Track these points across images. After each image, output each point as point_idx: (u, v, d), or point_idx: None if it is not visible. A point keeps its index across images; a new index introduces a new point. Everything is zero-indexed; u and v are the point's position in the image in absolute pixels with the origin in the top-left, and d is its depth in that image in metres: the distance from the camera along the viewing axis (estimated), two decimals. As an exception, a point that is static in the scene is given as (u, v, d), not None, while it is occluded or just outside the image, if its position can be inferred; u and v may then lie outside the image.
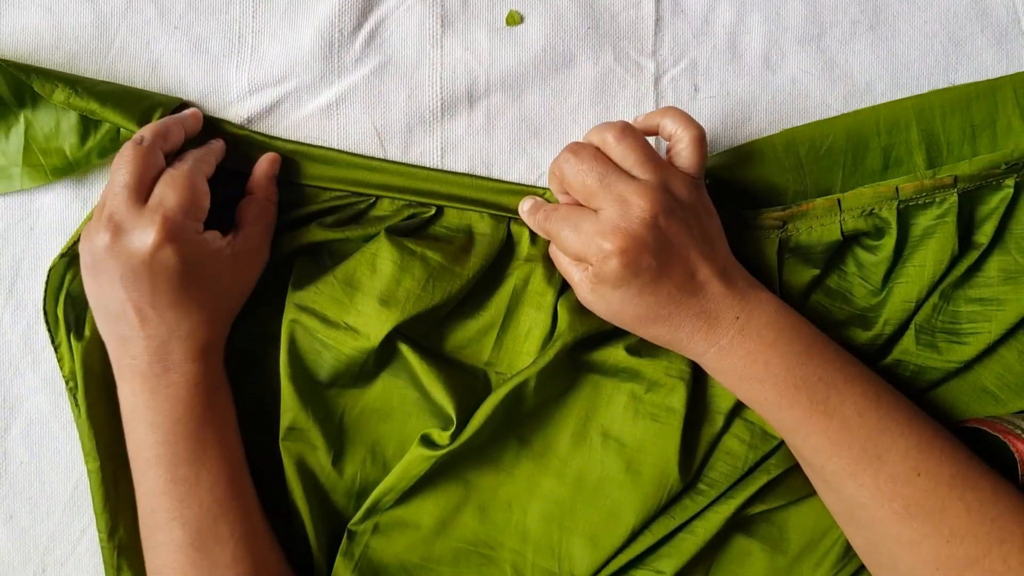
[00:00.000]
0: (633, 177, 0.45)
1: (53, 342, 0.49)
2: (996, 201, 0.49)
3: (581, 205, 0.47)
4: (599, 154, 0.46)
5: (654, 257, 0.45)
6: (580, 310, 0.49)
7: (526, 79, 0.52)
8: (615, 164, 0.46)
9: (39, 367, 0.51)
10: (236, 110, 0.51)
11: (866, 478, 0.44)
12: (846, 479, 0.44)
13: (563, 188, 0.48)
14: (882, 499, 0.44)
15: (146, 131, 0.47)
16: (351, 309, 0.48)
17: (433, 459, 0.48)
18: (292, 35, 0.52)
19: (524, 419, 0.50)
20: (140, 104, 0.49)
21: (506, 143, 0.52)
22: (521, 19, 0.52)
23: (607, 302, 0.46)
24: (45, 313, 0.49)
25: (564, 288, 0.51)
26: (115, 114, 0.48)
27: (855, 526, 0.46)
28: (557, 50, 0.52)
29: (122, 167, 0.45)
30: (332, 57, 0.51)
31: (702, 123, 0.52)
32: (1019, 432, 0.46)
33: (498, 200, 0.51)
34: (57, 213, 0.51)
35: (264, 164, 0.50)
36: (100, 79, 0.51)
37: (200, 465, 0.46)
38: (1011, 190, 0.49)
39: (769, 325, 0.46)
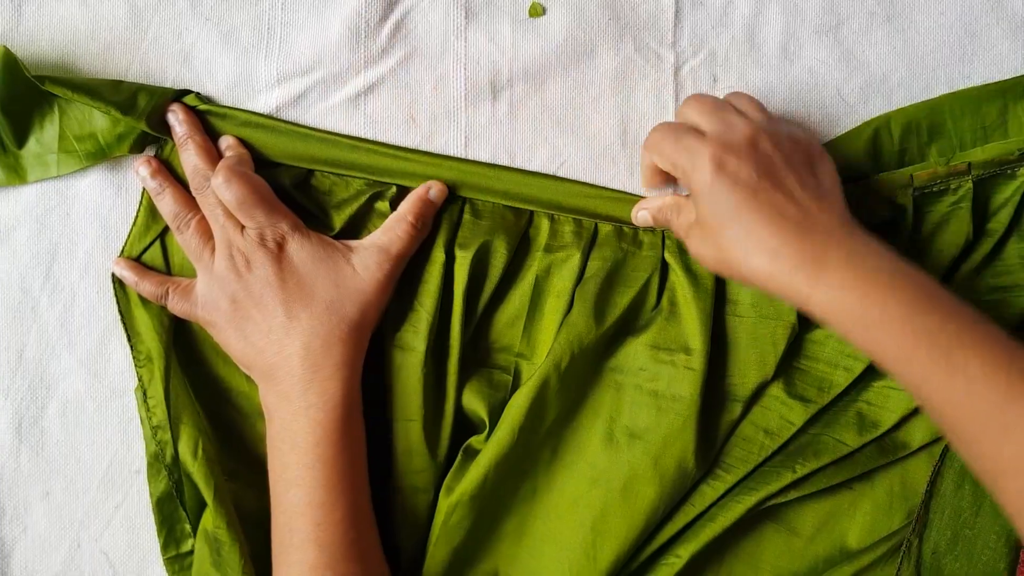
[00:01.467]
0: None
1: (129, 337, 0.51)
2: (1011, 190, 0.50)
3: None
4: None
5: (753, 169, 0.44)
6: (599, 301, 0.50)
7: (548, 70, 0.53)
8: None
9: (75, 348, 0.53)
10: (264, 99, 0.53)
11: (988, 447, 0.40)
12: (975, 448, 0.41)
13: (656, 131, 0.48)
14: (1017, 471, 0.39)
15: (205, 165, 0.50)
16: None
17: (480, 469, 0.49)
18: (319, 27, 0.53)
19: (553, 429, 0.51)
20: (121, 90, 0.51)
21: (528, 132, 0.53)
22: (543, 11, 0.53)
23: (703, 218, 0.45)
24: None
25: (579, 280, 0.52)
26: (89, 98, 0.50)
27: (998, 493, 0.41)
28: (579, 41, 0.53)
29: (209, 207, 0.50)
30: (359, 48, 0.53)
31: (720, 113, 0.53)
32: None
33: (522, 191, 0.52)
34: (93, 199, 0.53)
35: (431, 188, 0.52)
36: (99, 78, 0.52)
37: (337, 491, 0.47)
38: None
39: (884, 269, 0.42)
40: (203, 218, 0.50)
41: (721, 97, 0.49)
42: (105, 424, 0.53)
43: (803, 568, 0.52)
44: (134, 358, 0.51)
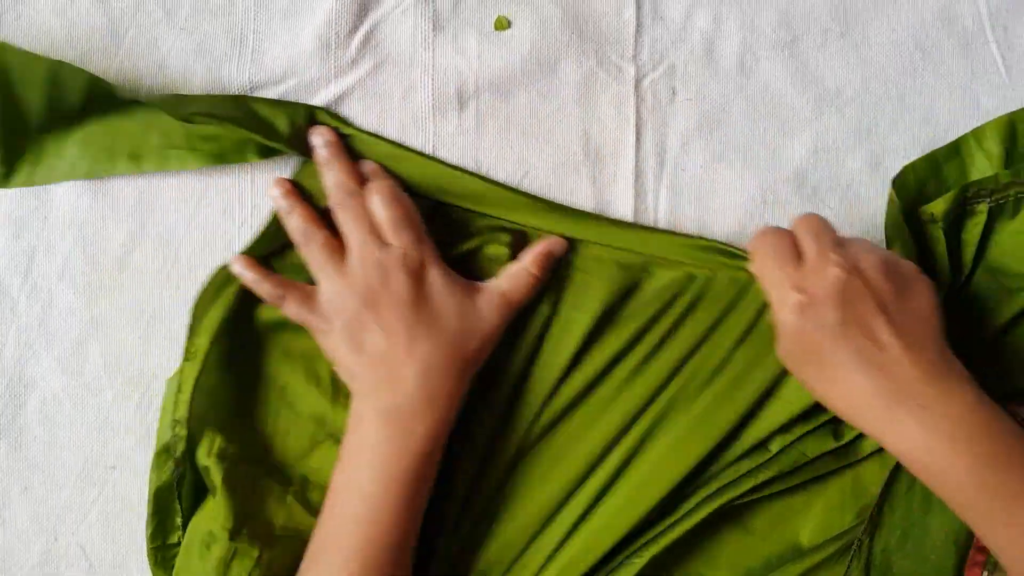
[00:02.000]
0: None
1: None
2: (972, 227, 0.52)
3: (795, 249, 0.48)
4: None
5: (840, 316, 0.45)
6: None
7: (513, 81, 0.55)
8: None
9: (52, 348, 0.55)
10: (238, 108, 0.54)
11: None
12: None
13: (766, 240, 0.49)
14: None
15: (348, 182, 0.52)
16: None
17: None
18: (291, 36, 0.54)
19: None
20: (260, 113, 0.53)
21: (494, 142, 0.55)
22: (509, 24, 0.55)
23: (785, 348, 0.48)
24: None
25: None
26: (235, 126, 0.52)
27: None
28: (543, 54, 0.55)
29: (352, 219, 0.51)
30: (329, 58, 0.54)
31: (679, 125, 0.55)
32: None
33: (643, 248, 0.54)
34: (70, 203, 0.54)
35: (552, 246, 0.53)
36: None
37: (400, 518, 0.48)
38: (984, 215, 0.52)
39: (954, 417, 0.43)
40: (329, 234, 0.52)
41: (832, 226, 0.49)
42: (82, 422, 0.55)
43: (757, 565, 0.54)
44: (185, 349, 0.52)
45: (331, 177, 0.52)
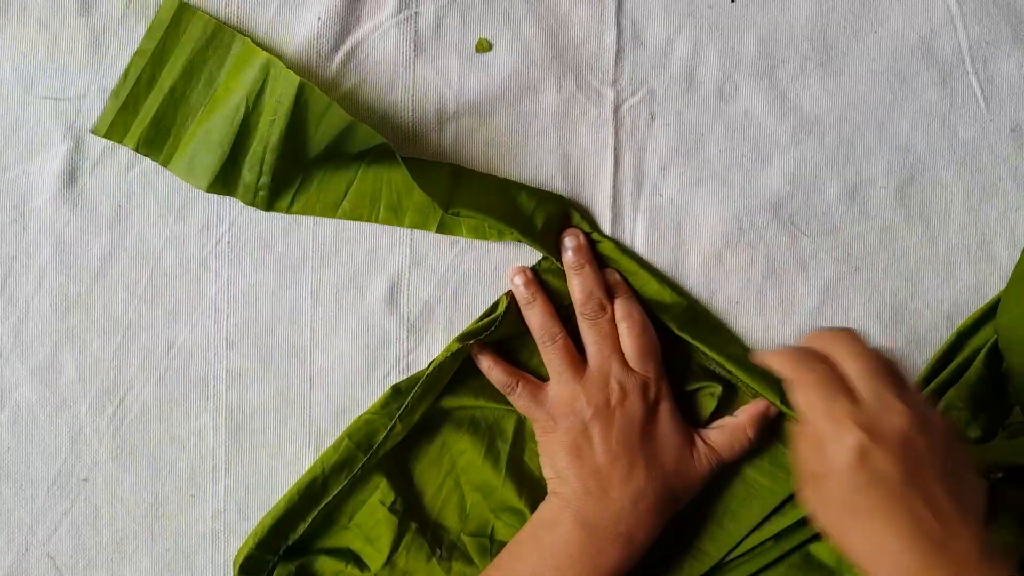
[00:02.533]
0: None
1: None
2: None
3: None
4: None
5: (902, 470, 0.40)
6: None
7: (493, 104, 0.55)
8: None
9: (27, 359, 0.55)
10: (219, 124, 0.54)
11: None
12: None
13: (817, 357, 0.43)
14: None
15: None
16: None
17: None
18: (273, 54, 0.55)
19: None
20: (520, 209, 0.54)
21: (473, 163, 0.55)
22: (490, 46, 0.55)
23: (828, 496, 0.42)
24: None
25: None
26: (496, 221, 0.53)
27: None
28: (523, 77, 0.55)
29: (600, 336, 0.52)
30: (310, 76, 0.55)
31: (657, 150, 0.55)
32: None
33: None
34: (49, 215, 0.55)
35: (768, 411, 0.53)
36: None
37: None
38: None
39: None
40: (567, 336, 0.53)
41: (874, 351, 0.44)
42: (55, 433, 0.55)
43: None
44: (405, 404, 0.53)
45: (580, 284, 0.53)
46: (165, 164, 0.54)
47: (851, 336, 0.44)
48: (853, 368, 0.42)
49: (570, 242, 0.54)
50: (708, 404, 0.55)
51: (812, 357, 0.43)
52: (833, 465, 0.41)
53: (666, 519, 0.52)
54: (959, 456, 0.42)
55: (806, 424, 0.42)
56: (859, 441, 0.40)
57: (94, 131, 0.54)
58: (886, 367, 0.43)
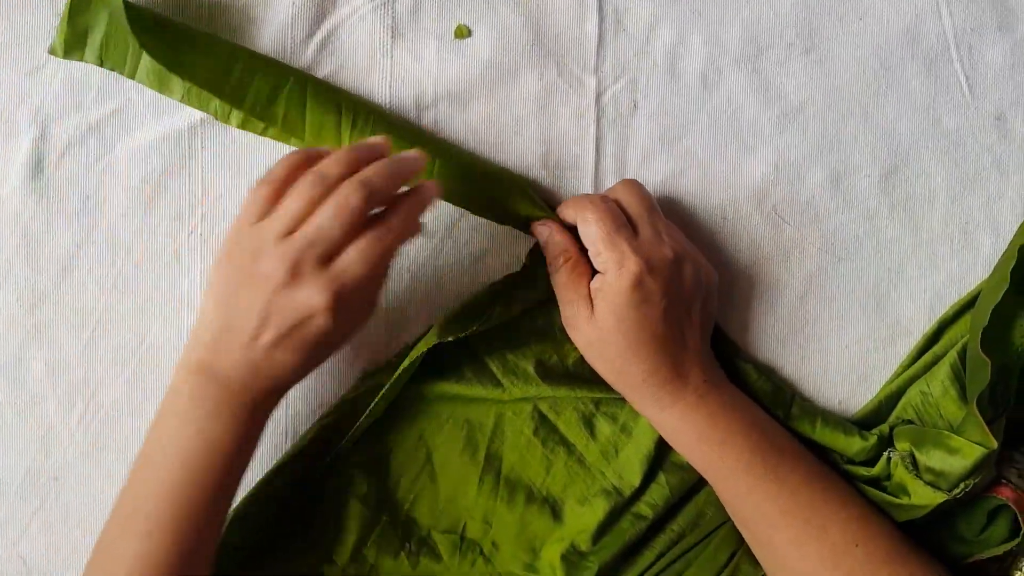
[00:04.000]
0: None
1: None
2: None
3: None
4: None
5: (665, 295, 0.49)
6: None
7: (472, 91, 0.54)
8: None
9: (-7, 355, 0.53)
10: (190, 114, 0.53)
11: (810, 548, 0.48)
12: (791, 550, 0.48)
13: (599, 209, 0.49)
14: (823, 569, 0.48)
15: (375, 190, 0.45)
16: None
17: None
18: (247, 42, 0.53)
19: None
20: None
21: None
22: (469, 32, 0.54)
23: (601, 320, 0.49)
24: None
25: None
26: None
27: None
28: (503, 64, 0.54)
29: (334, 218, 0.44)
30: (285, 62, 0.53)
31: (640, 139, 0.54)
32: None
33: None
34: (14, 207, 0.53)
35: (422, 199, 0.47)
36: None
37: (214, 491, 0.46)
38: None
39: (729, 394, 0.51)
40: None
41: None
42: (23, 431, 0.53)
43: None
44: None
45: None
46: (131, 76, 0.51)
47: (634, 183, 0.51)
48: (634, 208, 0.50)
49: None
50: None
51: (598, 199, 0.50)
52: (614, 287, 0.48)
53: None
54: (707, 282, 0.51)
55: (595, 254, 0.49)
56: (638, 267, 0.48)
57: (50, 51, 0.50)
58: (657, 207, 0.51)
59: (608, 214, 0.49)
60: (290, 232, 0.44)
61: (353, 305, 0.46)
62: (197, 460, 0.45)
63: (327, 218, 0.44)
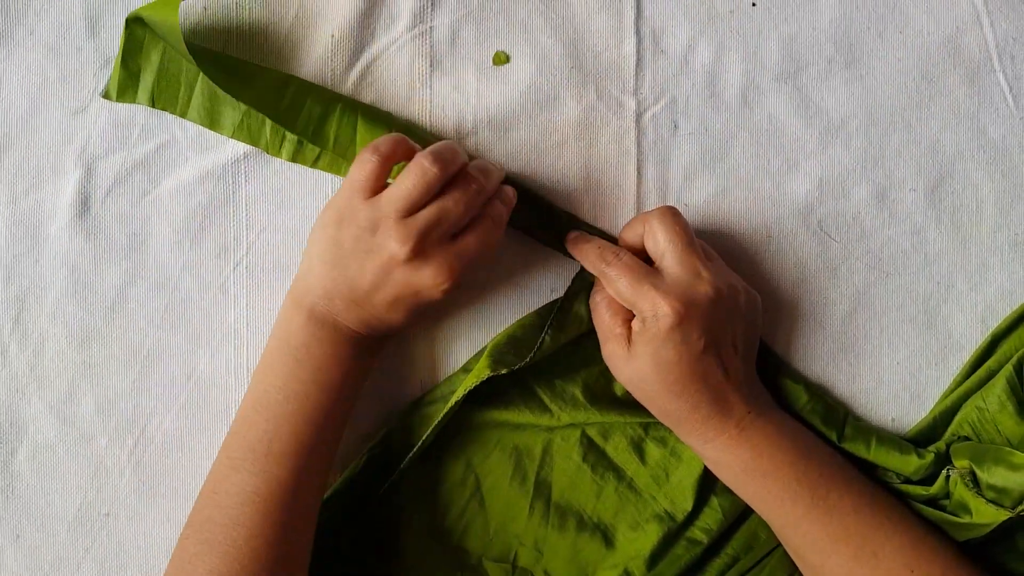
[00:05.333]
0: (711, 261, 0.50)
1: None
2: None
3: (644, 263, 0.50)
4: (691, 230, 0.50)
5: (704, 333, 0.48)
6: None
7: (512, 117, 0.54)
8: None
9: (44, 394, 0.54)
10: (233, 148, 0.53)
11: (862, 574, 0.47)
12: (845, 571, 0.48)
13: (635, 241, 0.51)
14: None
15: (489, 182, 0.49)
16: None
17: None
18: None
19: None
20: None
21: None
22: (507, 59, 0.54)
23: (639, 360, 0.48)
24: None
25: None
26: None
27: None
28: (542, 89, 0.54)
29: (459, 202, 0.47)
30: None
31: (681, 159, 0.54)
32: None
33: None
34: (62, 246, 0.53)
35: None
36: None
37: (325, 429, 0.48)
38: None
39: (774, 423, 0.50)
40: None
41: (684, 216, 0.51)
42: (75, 468, 0.54)
43: None
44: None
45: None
46: (183, 115, 0.52)
47: (668, 214, 0.50)
48: (663, 244, 0.49)
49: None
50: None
51: (611, 253, 0.50)
52: (651, 333, 0.48)
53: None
54: (750, 308, 0.51)
55: (628, 307, 0.49)
56: (673, 310, 0.47)
57: (104, 95, 0.52)
58: (694, 241, 0.50)
59: (624, 269, 0.49)
60: (410, 213, 0.47)
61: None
62: (311, 399, 0.48)
63: (453, 202, 0.47)
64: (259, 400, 0.48)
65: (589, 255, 0.51)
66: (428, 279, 0.47)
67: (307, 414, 0.48)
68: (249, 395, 0.49)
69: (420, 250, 0.46)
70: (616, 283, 0.49)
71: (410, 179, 0.47)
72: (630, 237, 0.51)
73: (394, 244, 0.46)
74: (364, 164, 0.47)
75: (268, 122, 0.52)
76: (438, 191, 0.47)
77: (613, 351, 0.50)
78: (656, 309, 0.48)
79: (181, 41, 0.49)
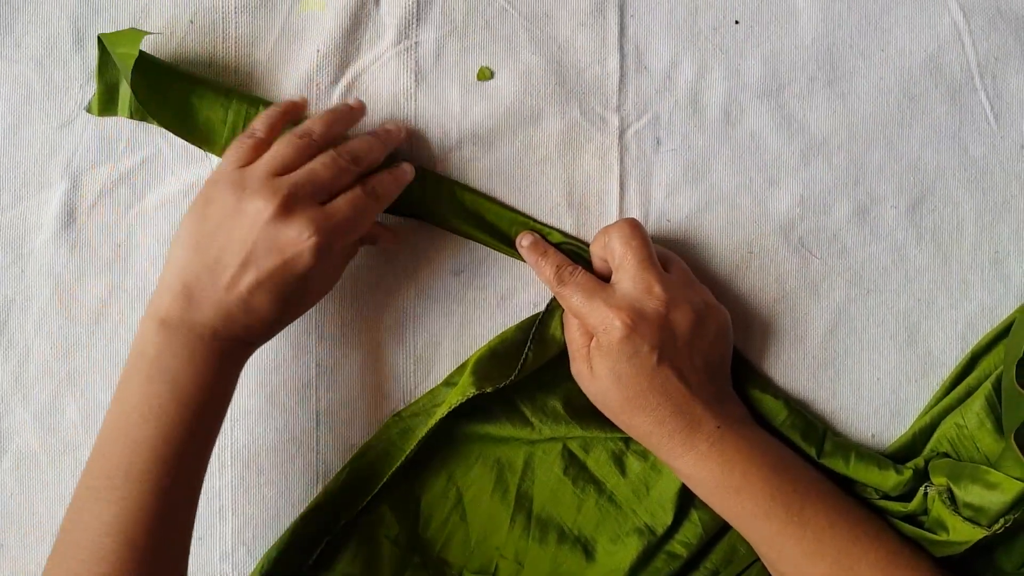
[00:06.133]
0: (667, 272, 0.50)
1: None
2: None
3: (599, 277, 0.51)
4: (651, 244, 0.50)
5: (655, 347, 0.48)
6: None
7: (496, 132, 0.54)
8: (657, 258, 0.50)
9: (29, 404, 0.54)
10: (216, 162, 0.54)
11: None
12: None
13: (600, 253, 0.51)
14: None
15: (361, 153, 0.49)
16: None
17: None
18: (273, 90, 0.54)
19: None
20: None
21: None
22: (491, 74, 0.54)
23: (599, 375, 0.49)
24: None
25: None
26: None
27: None
28: (526, 105, 0.54)
29: (327, 167, 0.47)
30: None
31: (664, 175, 0.54)
32: None
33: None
34: (48, 257, 0.54)
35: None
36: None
37: (188, 445, 0.46)
38: None
39: (746, 438, 0.49)
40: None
41: (646, 229, 0.52)
42: (58, 478, 0.54)
43: None
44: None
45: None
46: (167, 127, 0.52)
47: (627, 227, 0.50)
48: (618, 258, 0.49)
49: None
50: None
51: (567, 274, 0.50)
52: (604, 348, 0.48)
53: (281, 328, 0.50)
54: (712, 322, 0.50)
55: (582, 322, 0.50)
56: (621, 322, 0.47)
57: (88, 110, 0.53)
58: (651, 256, 0.50)
59: (577, 287, 0.50)
60: (280, 174, 0.47)
61: (331, 259, 0.47)
62: (169, 417, 0.45)
63: (321, 165, 0.47)
64: (116, 423, 0.46)
65: (545, 272, 0.51)
66: (293, 233, 0.45)
67: (166, 434, 0.45)
68: (107, 417, 0.46)
69: (287, 207, 0.45)
70: (570, 300, 0.50)
71: (282, 143, 0.48)
72: (596, 250, 0.52)
73: (260, 201, 0.45)
74: (237, 144, 0.48)
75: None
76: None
77: (580, 369, 0.50)
78: (605, 323, 0.48)
79: (129, 70, 0.50)
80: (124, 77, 0.51)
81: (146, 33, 0.50)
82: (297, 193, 0.46)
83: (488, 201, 0.54)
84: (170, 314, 0.46)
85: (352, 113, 0.52)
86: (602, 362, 0.48)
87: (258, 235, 0.45)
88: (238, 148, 0.48)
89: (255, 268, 0.45)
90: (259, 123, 0.49)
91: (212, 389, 0.46)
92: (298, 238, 0.45)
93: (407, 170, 0.51)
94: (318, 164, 0.47)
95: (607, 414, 0.51)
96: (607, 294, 0.49)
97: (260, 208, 0.45)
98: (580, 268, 0.51)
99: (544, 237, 0.53)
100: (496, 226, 0.54)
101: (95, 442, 0.46)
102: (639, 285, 0.49)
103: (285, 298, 0.46)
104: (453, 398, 0.51)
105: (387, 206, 0.50)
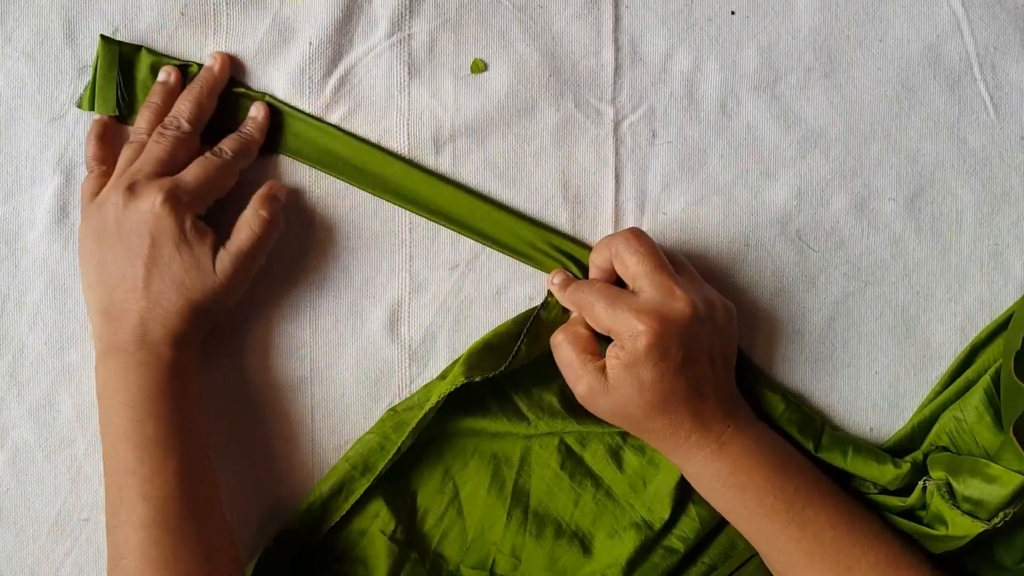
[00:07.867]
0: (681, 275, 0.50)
1: None
2: None
3: (615, 285, 0.50)
4: (659, 248, 0.50)
5: (681, 348, 0.47)
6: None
7: (490, 125, 0.54)
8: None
9: (24, 399, 0.54)
10: (211, 153, 0.53)
11: None
12: None
13: (604, 264, 0.51)
14: None
15: (184, 114, 0.51)
16: None
17: None
18: (265, 82, 0.54)
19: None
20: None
21: (471, 186, 0.54)
22: (485, 67, 0.54)
23: (618, 387, 0.48)
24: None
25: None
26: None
27: None
28: (520, 97, 0.54)
29: (156, 143, 0.50)
30: (303, 103, 0.54)
31: (659, 168, 0.54)
32: None
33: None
34: (41, 251, 0.54)
35: (274, 188, 0.52)
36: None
37: (167, 448, 0.48)
38: None
39: (753, 438, 0.50)
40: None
41: (646, 230, 0.52)
42: (54, 473, 0.54)
43: None
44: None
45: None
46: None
47: (633, 237, 0.49)
48: (633, 267, 0.49)
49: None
50: None
51: (585, 285, 0.50)
52: (630, 355, 0.47)
53: (202, 310, 0.51)
54: (726, 326, 0.50)
55: (605, 331, 0.49)
56: (650, 329, 0.47)
57: (79, 105, 0.53)
58: (663, 260, 0.49)
59: (601, 294, 0.49)
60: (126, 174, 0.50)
61: (200, 226, 0.49)
62: (147, 435, 0.48)
63: (152, 143, 0.50)
64: (109, 459, 0.49)
65: (561, 284, 0.52)
66: (146, 205, 0.48)
67: (155, 466, 0.48)
68: (103, 453, 0.50)
69: (131, 190, 0.49)
70: (593, 308, 0.49)
71: (120, 162, 0.51)
72: (599, 261, 0.51)
73: (114, 197, 0.49)
74: (84, 183, 0.52)
75: None
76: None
77: (591, 387, 0.49)
78: (632, 329, 0.47)
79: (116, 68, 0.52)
80: (117, 75, 0.52)
81: (155, 57, 0.53)
82: (137, 176, 0.49)
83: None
84: (106, 347, 0.49)
85: (166, 87, 0.53)
86: (627, 371, 0.47)
87: (121, 226, 0.49)
88: (86, 186, 0.52)
89: (139, 259, 0.49)
90: (89, 148, 0.53)
91: (170, 389, 0.49)
92: (151, 208, 0.48)
93: (252, 123, 0.52)
94: (151, 143, 0.50)
95: (623, 425, 0.51)
96: (631, 300, 0.48)
97: (115, 202, 0.49)
98: (596, 280, 0.51)
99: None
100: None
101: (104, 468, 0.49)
102: (661, 289, 0.48)
103: (179, 281, 0.49)
104: (444, 388, 0.51)
105: (248, 159, 0.52)
